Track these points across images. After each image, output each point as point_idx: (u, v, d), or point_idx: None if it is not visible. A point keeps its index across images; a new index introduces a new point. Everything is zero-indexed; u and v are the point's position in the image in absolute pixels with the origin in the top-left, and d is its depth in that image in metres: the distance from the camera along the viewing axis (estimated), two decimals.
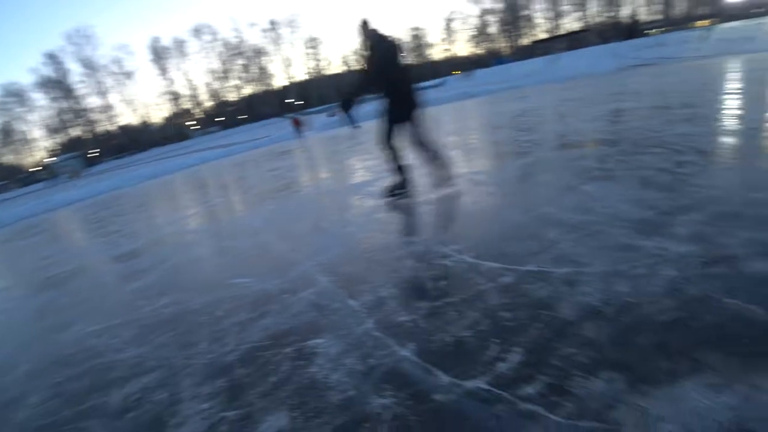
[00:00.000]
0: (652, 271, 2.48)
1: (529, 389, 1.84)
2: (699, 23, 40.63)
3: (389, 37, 4.79)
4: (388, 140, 5.01)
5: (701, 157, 4.39)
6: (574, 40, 53.83)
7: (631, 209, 3.40)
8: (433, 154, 5.19)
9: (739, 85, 9.39)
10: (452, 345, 2.24)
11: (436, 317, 2.53)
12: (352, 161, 10.70)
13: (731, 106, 7.11)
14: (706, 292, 2.21)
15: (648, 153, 4.87)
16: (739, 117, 6.11)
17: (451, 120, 15.32)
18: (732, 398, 1.61)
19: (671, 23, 49.30)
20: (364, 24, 4.83)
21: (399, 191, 5.28)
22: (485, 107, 18.02)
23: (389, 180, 5.49)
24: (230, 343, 2.79)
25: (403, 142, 5.08)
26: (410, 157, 5.34)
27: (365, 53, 4.84)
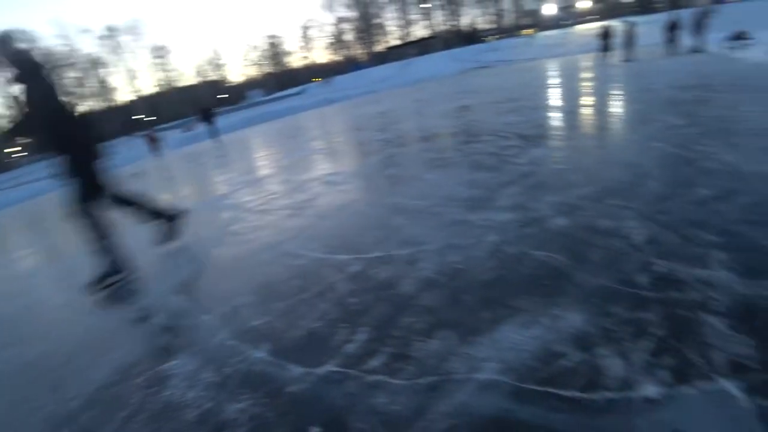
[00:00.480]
0: (479, 239, 2.90)
1: (375, 362, 2.00)
2: (524, 31, 47.84)
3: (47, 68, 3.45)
4: (82, 211, 3.66)
5: (521, 141, 5.27)
6: (423, 46, 59.11)
7: (464, 190, 3.91)
8: (145, 209, 4.27)
9: (552, 81, 11.40)
10: (304, 338, 2.31)
11: (289, 314, 2.57)
12: (210, 175, 10.13)
13: (546, 97, 8.60)
14: (521, 249, 2.66)
15: (480, 141, 5.66)
16: (552, 106, 7.43)
17: (314, 126, 15.53)
18: (539, 330, 1.97)
19: (503, 31, 56.95)
20: (3, 42, 3.35)
21: (113, 277, 3.81)
22: (345, 112, 18.67)
23: (97, 267, 3.81)
24: (72, 389, 2.44)
25: (103, 210, 3.83)
26: (118, 225, 4.12)
27: (18, 87, 3.43)
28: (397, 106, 14.57)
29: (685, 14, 15.86)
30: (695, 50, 13.78)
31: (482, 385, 1.77)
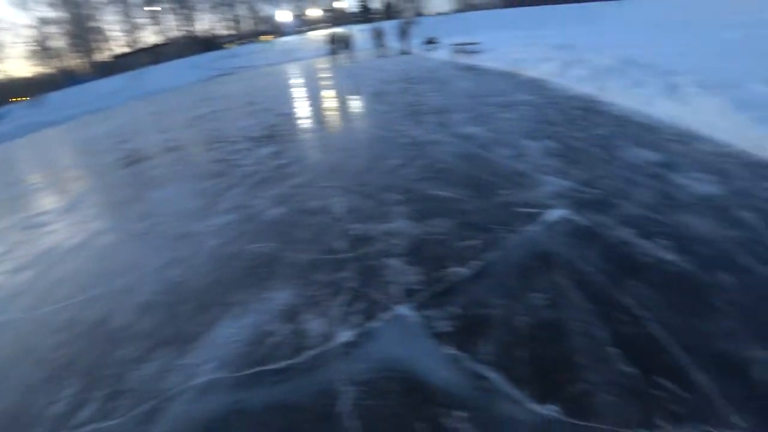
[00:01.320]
0: (199, 247, 2.86)
1: (86, 413, 1.77)
2: (263, 37, 48.64)
3: None
4: None
5: (250, 143, 5.42)
6: (157, 54, 53.89)
7: (189, 201, 3.79)
8: None
9: (288, 84, 12.03)
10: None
11: None
12: None
13: (281, 100, 9.02)
14: (238, 247, 2.74)
15: (212, 149, 5.58)
16: (285, 107, 7.84)
17: (20, 158, 12.37)
18: (251, 317, 2.07)
19: (242, 37, 56.61)
20: None
21: None
22: (65, 135, 15.50)
23: None
24: None
25: None
26: None
27: None
28: (129, 122, 12.97)
29: (394, 24, 19.03)
30: (403, 52, 16.67)
31: (201, 389, 1.76)
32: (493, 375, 1.61)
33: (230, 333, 2.00)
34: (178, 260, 2.76)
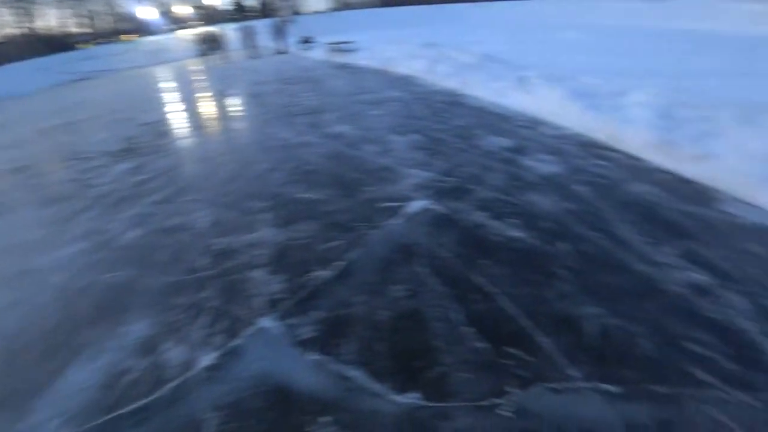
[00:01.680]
0: (42, 284, 2.55)
1: None
2: (125, 37, 44.00)
3: None
4: None
5: (107, 159, 4.90)
6: None
7: (23, 234, 3.28)
8: None
9: (154, 88, 11.09)
10: None
11: None
12: None
13: (144, 107, 8.28)
14: (88, 280, 2.50)
15: (63, 168, 4.92)
16: (148, 115, 7.22)
17: None
18: (104, 358, 1.91)
19: (100, 36, 50.59)
20: None
21: None
22: None
23: None
24: None
25: None
26: None
27: None
28: None
29: (270, 22, 18.44)
30: (278, 51, 16.26)
31: None
32: (355, 374, 1.67)
33: (80, 379, 1.81)
34: (16, 304, 2.41)
